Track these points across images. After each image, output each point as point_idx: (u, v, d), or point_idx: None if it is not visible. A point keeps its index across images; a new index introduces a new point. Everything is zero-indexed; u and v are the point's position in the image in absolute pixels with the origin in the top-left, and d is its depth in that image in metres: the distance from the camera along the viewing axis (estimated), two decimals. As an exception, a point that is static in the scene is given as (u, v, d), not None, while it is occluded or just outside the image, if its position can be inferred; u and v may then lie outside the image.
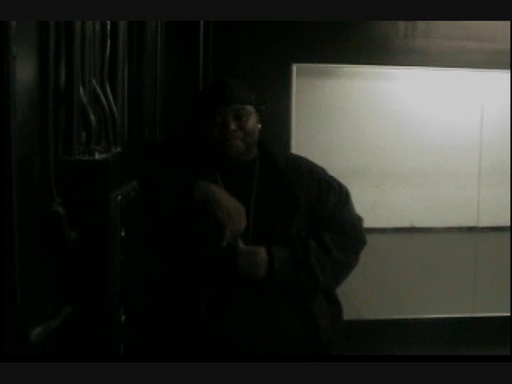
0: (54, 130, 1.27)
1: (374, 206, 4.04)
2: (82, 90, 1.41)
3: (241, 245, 1.87)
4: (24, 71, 1.16)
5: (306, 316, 1.98)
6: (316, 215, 1.99)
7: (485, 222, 4.31)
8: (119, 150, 1.70)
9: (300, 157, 2.10)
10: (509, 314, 4.00)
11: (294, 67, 3.88)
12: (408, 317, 4.20)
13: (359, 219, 2.08)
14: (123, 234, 1.48)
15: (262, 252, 1.88)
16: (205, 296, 1.88)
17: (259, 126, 1.96)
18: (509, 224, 4.15)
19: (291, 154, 2.14)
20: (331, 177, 2.07)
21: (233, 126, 1.87)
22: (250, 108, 1.92)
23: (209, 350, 1.89)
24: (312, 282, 1.95)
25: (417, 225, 4.26)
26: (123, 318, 1.53)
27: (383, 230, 4.15)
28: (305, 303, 1.98)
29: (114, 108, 1.71)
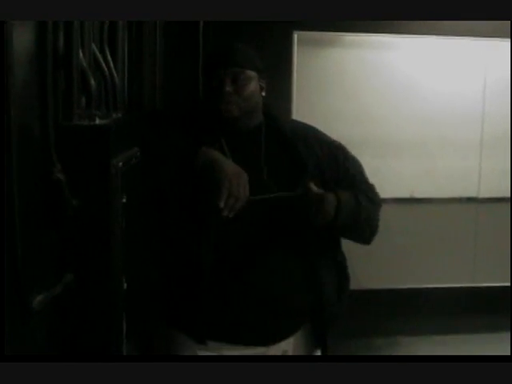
0: (54, 95, 1.25)
1: (373, 175, 4.02)
2: (81, 54, 1.38)
3: (312, 186, 1.79)
4: (22, 34, 1.13)
5: (312, 279, 1.96)
6: (339, 178, 1.96)
7: (485, 193, 4.31)
8: (120, 115, 1.68)
9: (309, 125, 2.06)
10: (508, 284, 4.02)
11: (296, 35, 3.84)
12: (408, 287, 4.22)
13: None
14: (124, 200, 1.47)
15: (330, 197, 1.82)
16: (206, 262, 1.85)
17: (263, 93, 1.92)
18: (509, 195, 4.14)
19: (300, 122, 2.09)
20: (341, 144, 2.05)
21: (227, 88, 1.82)
22: (251, 73, 1.87)
23: (212, 315, 1.88)
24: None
25: (417, 195, 4.26)
26: (125, 285, 1.53)
27: (383, 200, 4.13)
28: (313, 268, 1.96)
29: (115, 73, 1.68)
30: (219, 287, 1.87)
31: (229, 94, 1.83)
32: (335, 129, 3.89)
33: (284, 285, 1.90)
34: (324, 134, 2.05)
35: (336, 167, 1.97)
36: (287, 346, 1.96)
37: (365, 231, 2.02)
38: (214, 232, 1.83)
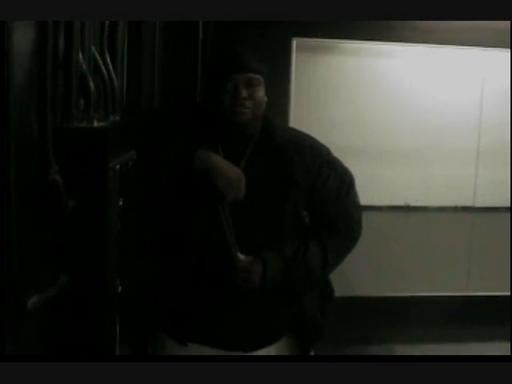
0: (52, 97, 1.25)
1: (369, 183, 4.03)
2: (81, 56, 1.38)
3: (239, 255, 1.85)
4: (22, 36, 1.13)
5: (293, 303, 1.98)
6: (313, 194, 1.95)
7: (481, 202, 4.32)
8: (118, 118, 1.68)
9: (304, 133, 2.04)
10: (505, 293, 4.03)
11: (295, 42, 3.85)
12: (402, 295, 4.22)
13: (359, 211, 2.04)
14: (121, 203, 1.47)
15: (258, 266, 1.86)
16: (189, 266, 1.86)
17: (266, 98, 1.91)
18: (506, 204, 4.16)
19: (295, 130, 2.07)
20: (335, 158, 2.02)
21: (244, 94, 1.82)
22: (261, 79, 1.87)
23: (193, 317, 1.89)
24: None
25: (412, 203, 4.26)
26: (120, 288, 1.53)
27: (378, 208, 4.15)
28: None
29: (114, 76, 1.68)
30: (201, 291, 1.88)
31: (244, 98, 1.83)
32: (332, 136, 3.90)
33: (265, 294, 1.91)
34: (320, 145, 2.02)
35: (319, 181, 1.96)
36: (267, 354, 1.95)
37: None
38: (199, 238, 1.84)
